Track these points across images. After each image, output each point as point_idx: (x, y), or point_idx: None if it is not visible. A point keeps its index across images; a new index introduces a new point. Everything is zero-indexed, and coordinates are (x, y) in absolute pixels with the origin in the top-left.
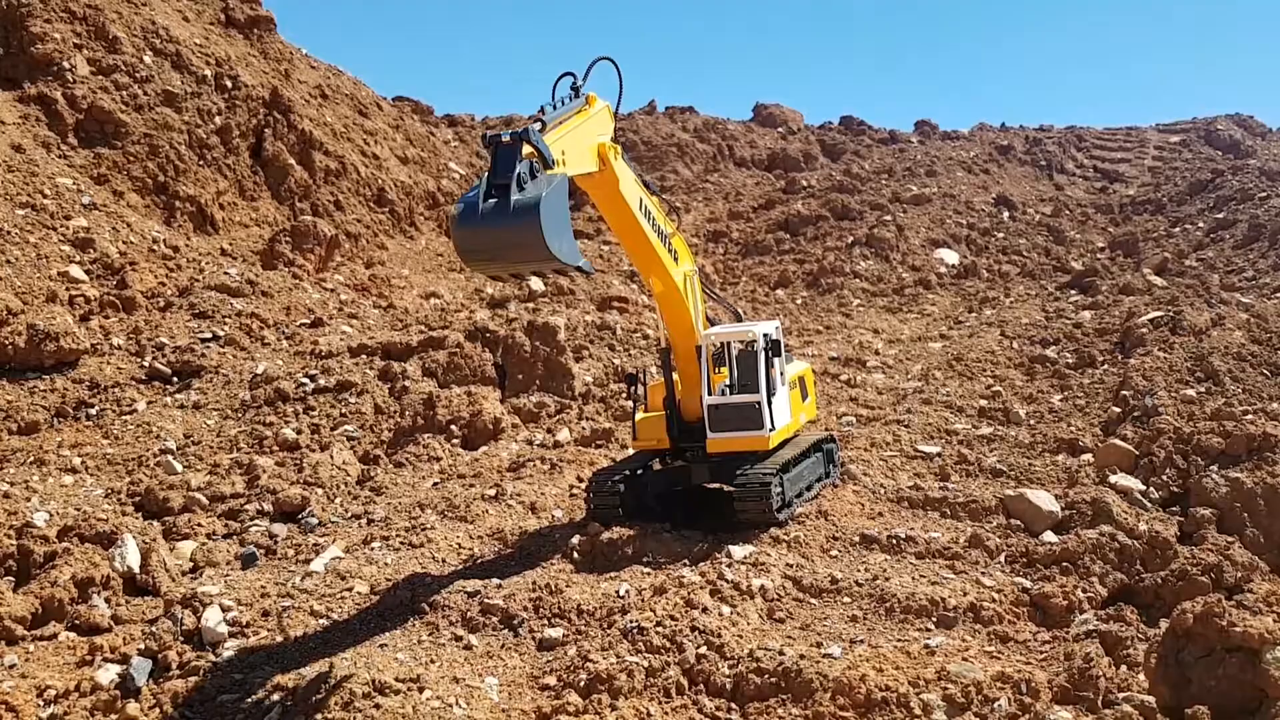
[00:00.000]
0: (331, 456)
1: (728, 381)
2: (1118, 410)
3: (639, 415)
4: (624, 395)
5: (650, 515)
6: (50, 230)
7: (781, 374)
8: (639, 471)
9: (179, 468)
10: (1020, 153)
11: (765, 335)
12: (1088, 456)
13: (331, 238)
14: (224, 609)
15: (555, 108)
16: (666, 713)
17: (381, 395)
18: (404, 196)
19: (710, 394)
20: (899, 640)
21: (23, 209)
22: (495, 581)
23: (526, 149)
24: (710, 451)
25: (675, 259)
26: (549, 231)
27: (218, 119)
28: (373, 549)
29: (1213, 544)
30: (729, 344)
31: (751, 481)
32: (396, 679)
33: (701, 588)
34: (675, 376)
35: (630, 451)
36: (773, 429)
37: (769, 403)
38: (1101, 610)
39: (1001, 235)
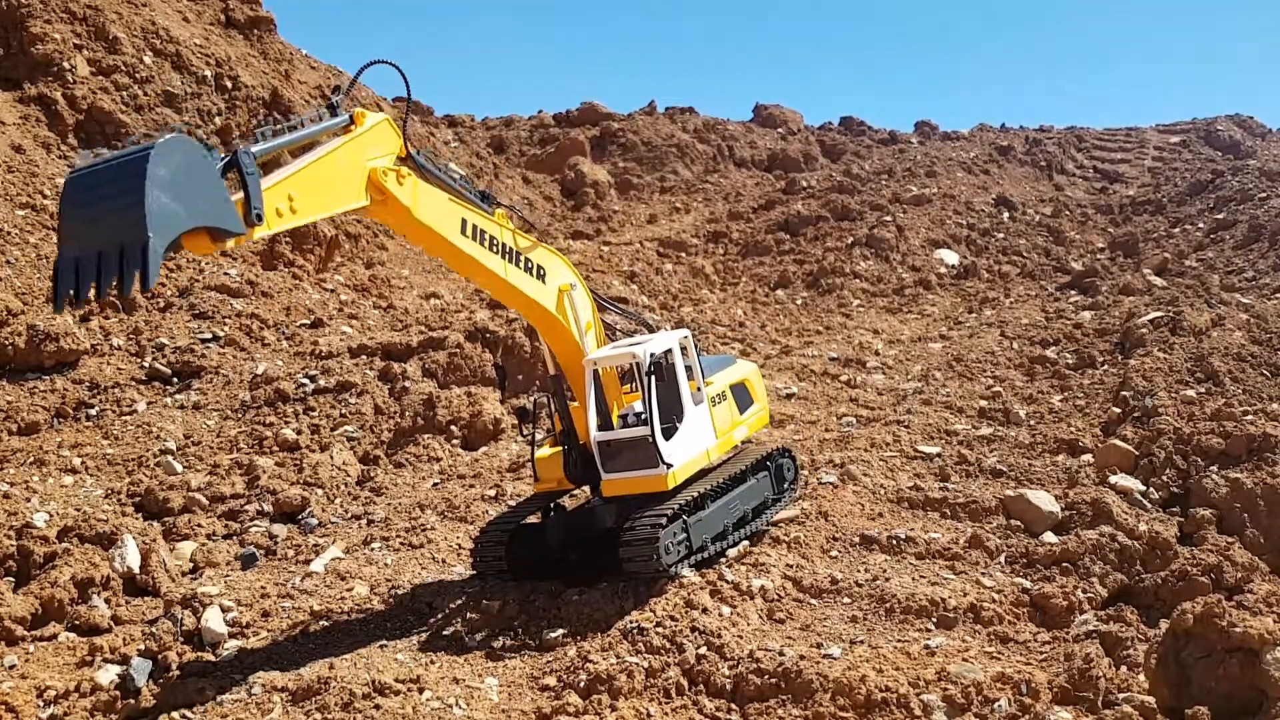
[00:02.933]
0: (331, 457)
1: (639, 406)
2: (1118, 411)
3: (539, 452)
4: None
5: (554, 569)
6: (50, 231)
7: (700, 390)
8: (550, 513)
9: (179, 468)
10: (1020, 153)
11: (651, 355)
12: (1088, 457)
13: (331, 238)
14: (224, 609)
15: (302, 126)
16: (666, 713)
17: (381, 396)
18: None
19: (599, 427)
20: (899, 641)
21: (23, 209)
22: (495, 582)
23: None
24: (605, 495)
25: (541, 277)
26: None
27: (218, 119)
28: (373, 549)
29: (1213, 544)
30: (620, 368)
31: (638, 531)
32: (396, 679)
33: (701, 588)
34: (575, 405)
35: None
36: (671, 467)
37: (659, 435)
38: (1101, 611)
39: (1001, 236)
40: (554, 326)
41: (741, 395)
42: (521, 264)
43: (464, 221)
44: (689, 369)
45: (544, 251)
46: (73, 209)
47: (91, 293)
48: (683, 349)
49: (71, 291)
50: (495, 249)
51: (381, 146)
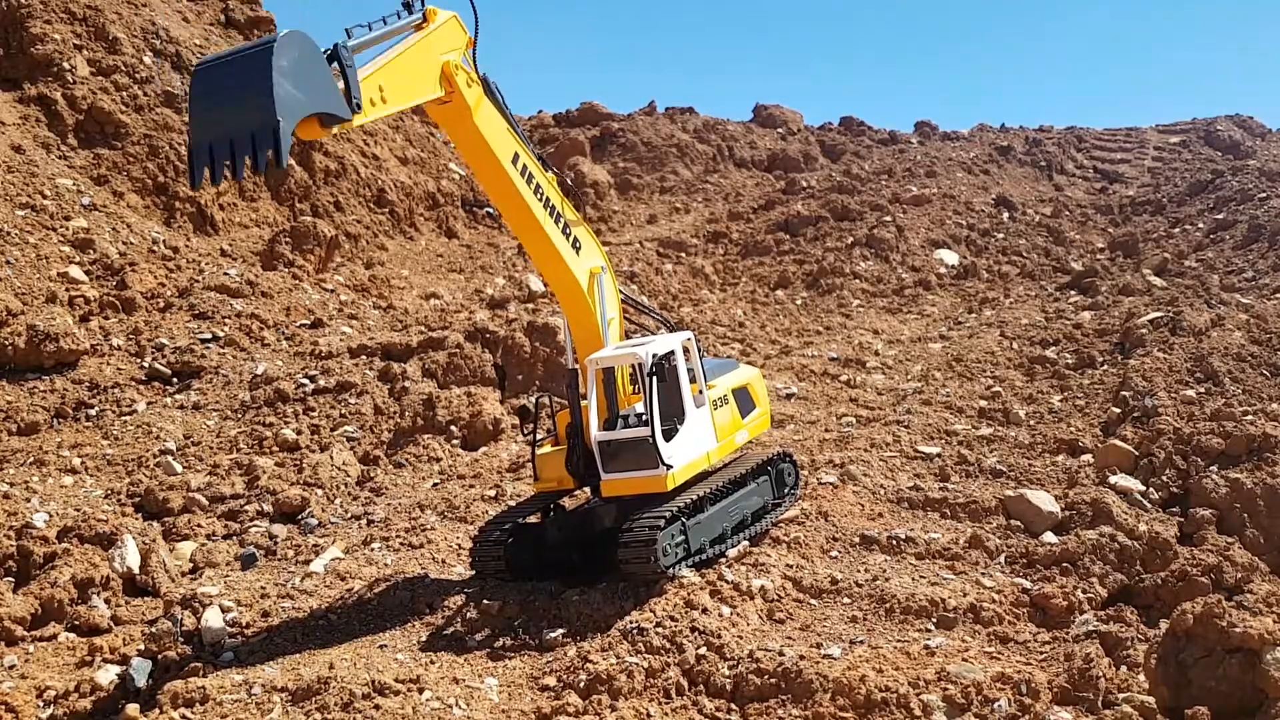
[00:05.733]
0: (331, 457)
1: (640, 408)
2: (1117, 411)
3: (541, 451)
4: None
5: (554, 569)
6: (50, 231)
7: (701, 393)
8: (550, 513)
9: (179, 468)
10: (1020, 153)
11: (653, 356)
12: (1088, 457)
13: (331, 238)
14: (224, 609)
15: (370, 29)
16: (666, 713)
17: (381, 396)
18: (404, 197)
19: (600, 427)
20: (899, 641)
21: (23, 209)
22: (495, 582)
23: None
24: (604, 495)
25: (577, 249)
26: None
27: None
28: (373, 550)
29: (1213, 545)
30: (620, 369)
31: (636, 533)
32: (396, 679)
33: (701, 588)
34: (587, 403)
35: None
36: (671, 468)
37: (660, 435)
38: (1101, 611)
39: (1001, 236)
40: (580, 307)
41: (744, 399)
42: (561, 226)
43: (517, 155)
44: (691, 371)
45: (585, 230)
46: (203, 99)
47: (228, 173)
48: (685, 351)
49: (208, 171)
50: (540, 198)
51: (451, 42)
